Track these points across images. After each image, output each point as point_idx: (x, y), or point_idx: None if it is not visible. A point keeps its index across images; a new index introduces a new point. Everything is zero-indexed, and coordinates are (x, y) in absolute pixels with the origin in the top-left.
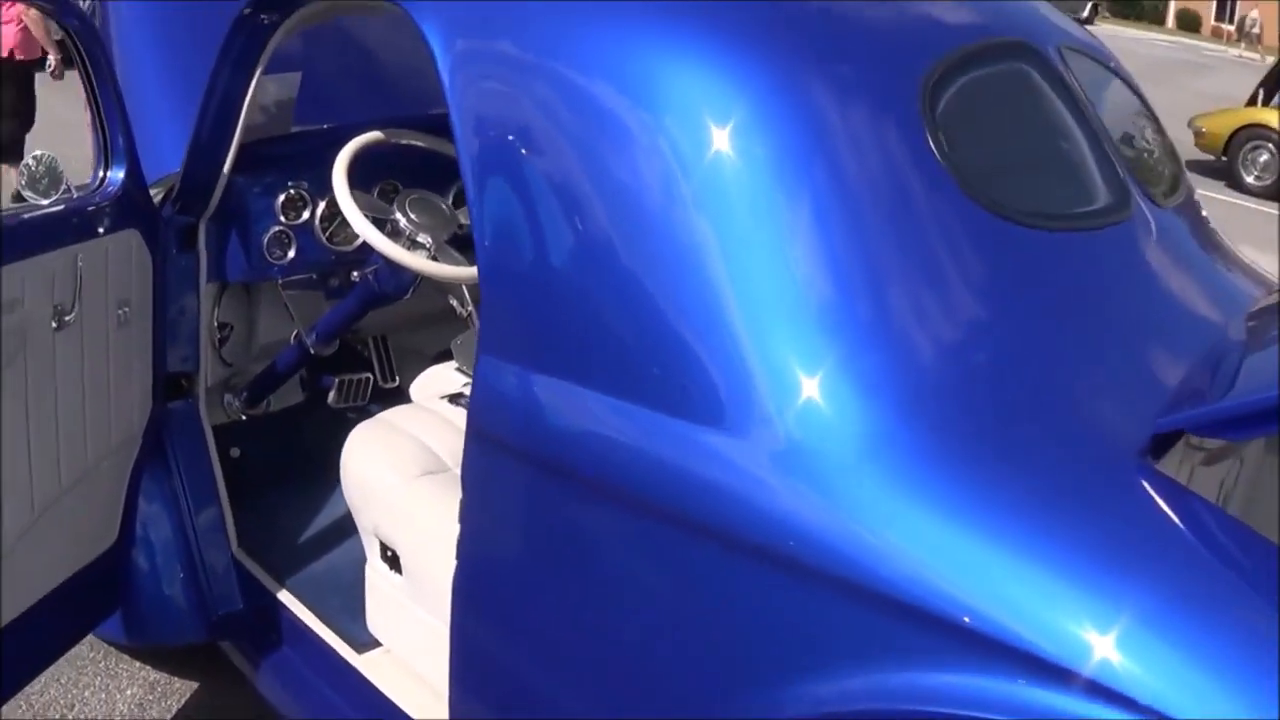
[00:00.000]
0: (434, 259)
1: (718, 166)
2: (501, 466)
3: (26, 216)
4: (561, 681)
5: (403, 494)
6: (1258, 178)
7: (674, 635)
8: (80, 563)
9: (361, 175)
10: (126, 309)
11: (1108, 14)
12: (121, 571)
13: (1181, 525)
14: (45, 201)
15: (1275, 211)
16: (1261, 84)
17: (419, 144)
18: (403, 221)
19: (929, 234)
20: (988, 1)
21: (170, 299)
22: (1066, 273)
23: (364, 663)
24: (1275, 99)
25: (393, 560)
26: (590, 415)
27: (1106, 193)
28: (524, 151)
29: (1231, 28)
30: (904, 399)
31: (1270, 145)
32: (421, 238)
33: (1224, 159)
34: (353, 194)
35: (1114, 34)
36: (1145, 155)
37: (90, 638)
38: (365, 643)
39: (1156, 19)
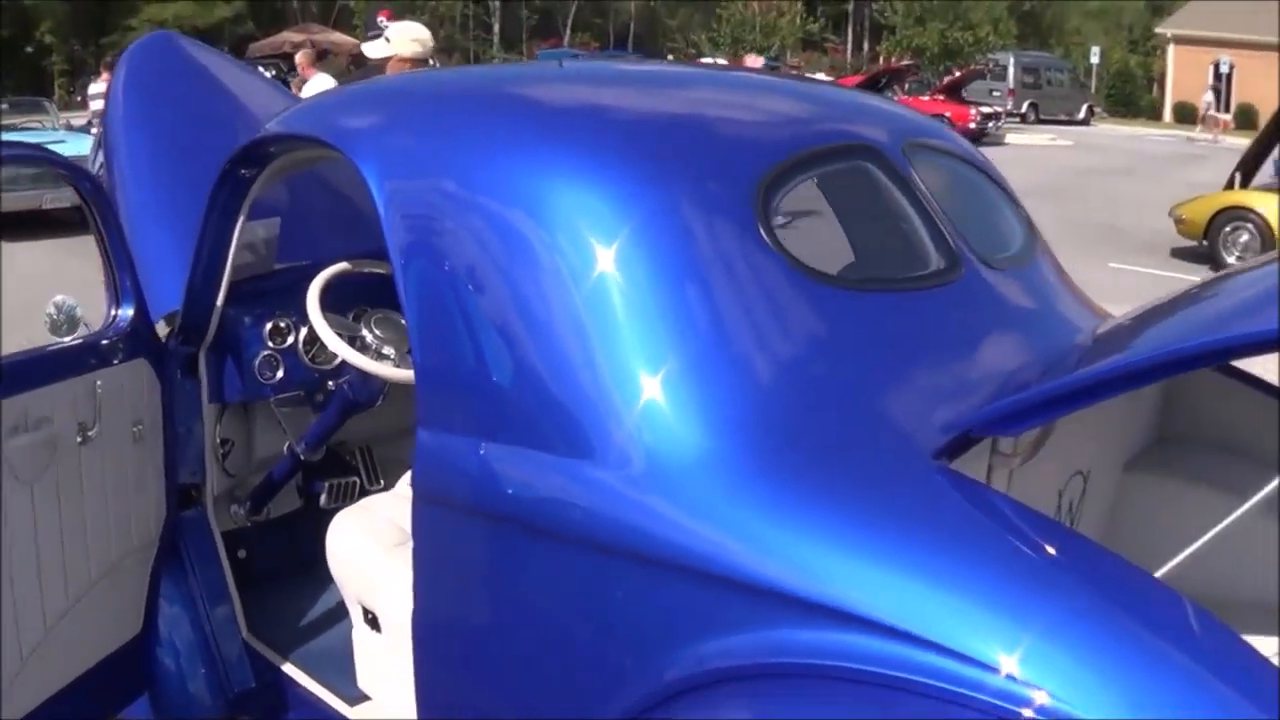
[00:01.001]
0: (397, 367)
1: (593, 266)
2: (440, 519)
3: (52, 349)
4: (501, 698)
5: (378, 562)
6: (1239, 258)
7: (576, 634)
8: (110, 648)
9: (336, 301)
10: (140, 426)
11: (1105, 114)
12: (146, 658)
13: (963, 505)
14: (67, 340)
15: None
16: (1238, 168)
17: (380, 271)
18: (369, 337)
19: (756, 301)
20: (833, 108)
21: (178, 419)
22: (889, 324)
23: (354, 713)
24: (1253, 181)
25: (373, 621)
26: (504, 464)
27: (937, 260)
28: (444, 266)
29: (1228, 117)
30: (736, 430)
31: (1249, 225)
32: (386, 350)
33: (1205, 243)
34: (324, 316)
35: (1111, 132)
36: (989, 228)
37: None
38: (355, 697)
39: (1154, 115)
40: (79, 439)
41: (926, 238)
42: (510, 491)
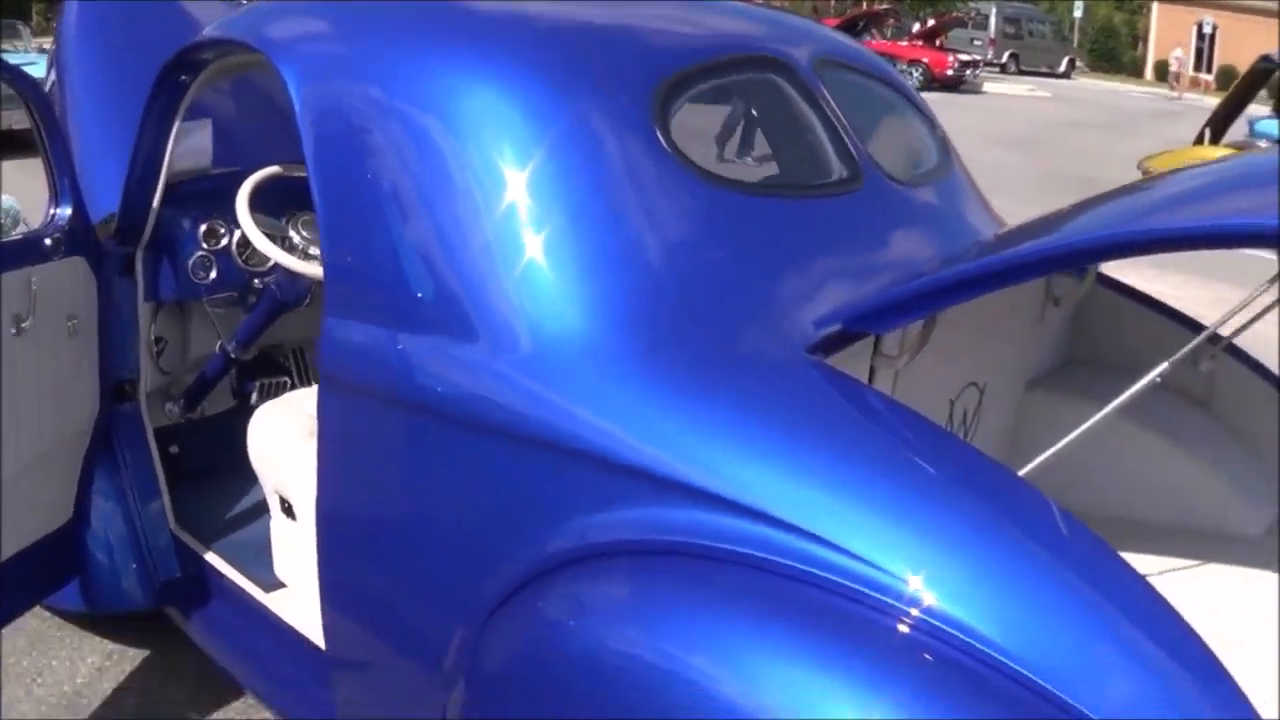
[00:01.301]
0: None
1: (492, 164)
2: (342, 401)
3: None
4: (394, 576)
5: (295, 453)
6: None
7: (466, 512)
8: (40, 533)
9: (268, 204)
10: (75, 321)
11: (1085, 68)
12: (76, 546)
13: (832, 397)
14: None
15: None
16: (1207, 124)
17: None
18: (296, 238)
19: (646, 199)
20: (748, 22)
21: (113, 317)
22: (781, 228)
23: (271, 600)
24: (1223, 138)
25: (289, 510)
26: (402, 349)
27: (840, 170)
28: (350, 163)
29: (1210, 77)
30: (619, 319)
31: None
32: (313, 250)
33: None
34: (254, 217)
35: (1091, 86)
36: (900, 145)
37: (57, 619)
38: (272, 584)
39: (1135, 71)
40: (13, 330)
41: (830, 149)
42: (407, 375)
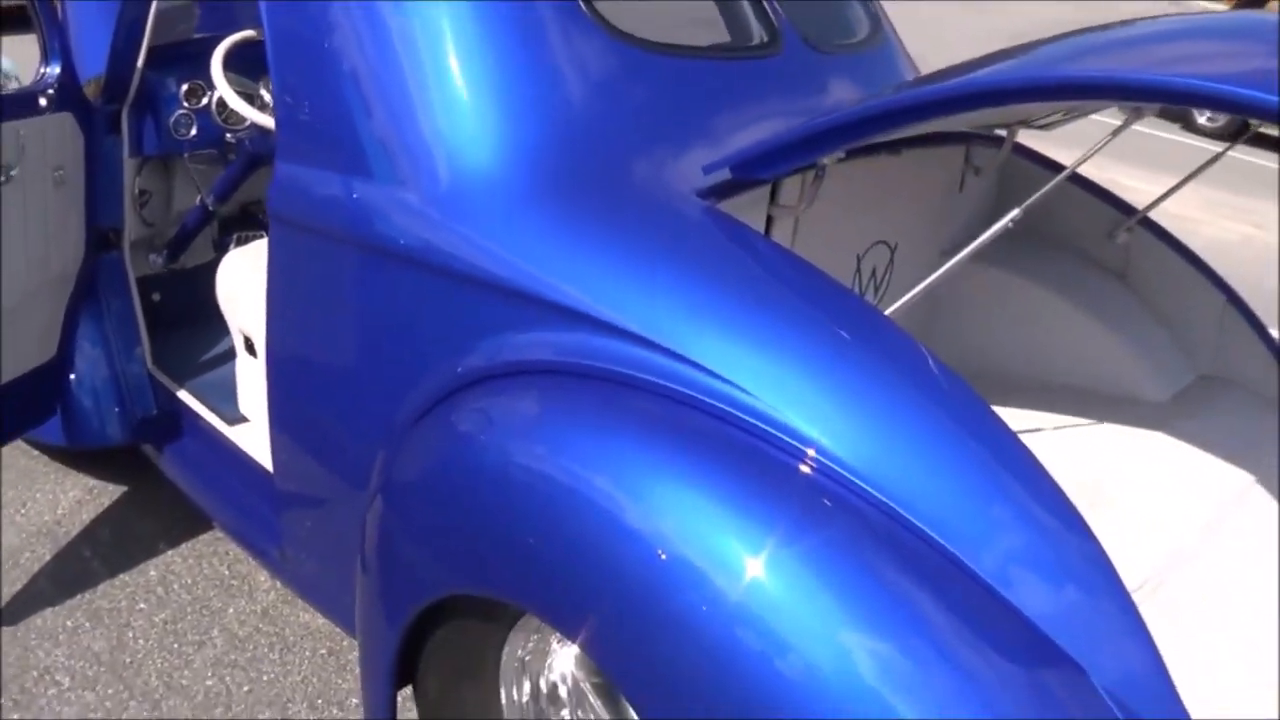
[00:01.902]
0: None
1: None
2: (288, 236)
3: None
4: (328, 401)
5: (257, 293)
6: (1210, 119)
7: (391, 337)
8: (26, 367)
9: (245, 67)
10: (61, 172)
11: None
12: (59, 383)
13: (717, 238)
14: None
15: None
16: None
17: None
18: (267, 96)
19: (564, 53)
20: None
21: (100, 170)
22: (692, 87)
23: (233, 433)
24: None
25: (250, 348)
26: (341, 190)
27: (759, 36)
28: (299, 20)
29: None
30: (524, 162)
31: None
32: None
33: None
34: (228, 77)
35: None
36: (829, 18)
37: (42, 457)
38: (236, 419)
39: None
40: (2, 178)
41: (750, 14)
42: (343, 213)
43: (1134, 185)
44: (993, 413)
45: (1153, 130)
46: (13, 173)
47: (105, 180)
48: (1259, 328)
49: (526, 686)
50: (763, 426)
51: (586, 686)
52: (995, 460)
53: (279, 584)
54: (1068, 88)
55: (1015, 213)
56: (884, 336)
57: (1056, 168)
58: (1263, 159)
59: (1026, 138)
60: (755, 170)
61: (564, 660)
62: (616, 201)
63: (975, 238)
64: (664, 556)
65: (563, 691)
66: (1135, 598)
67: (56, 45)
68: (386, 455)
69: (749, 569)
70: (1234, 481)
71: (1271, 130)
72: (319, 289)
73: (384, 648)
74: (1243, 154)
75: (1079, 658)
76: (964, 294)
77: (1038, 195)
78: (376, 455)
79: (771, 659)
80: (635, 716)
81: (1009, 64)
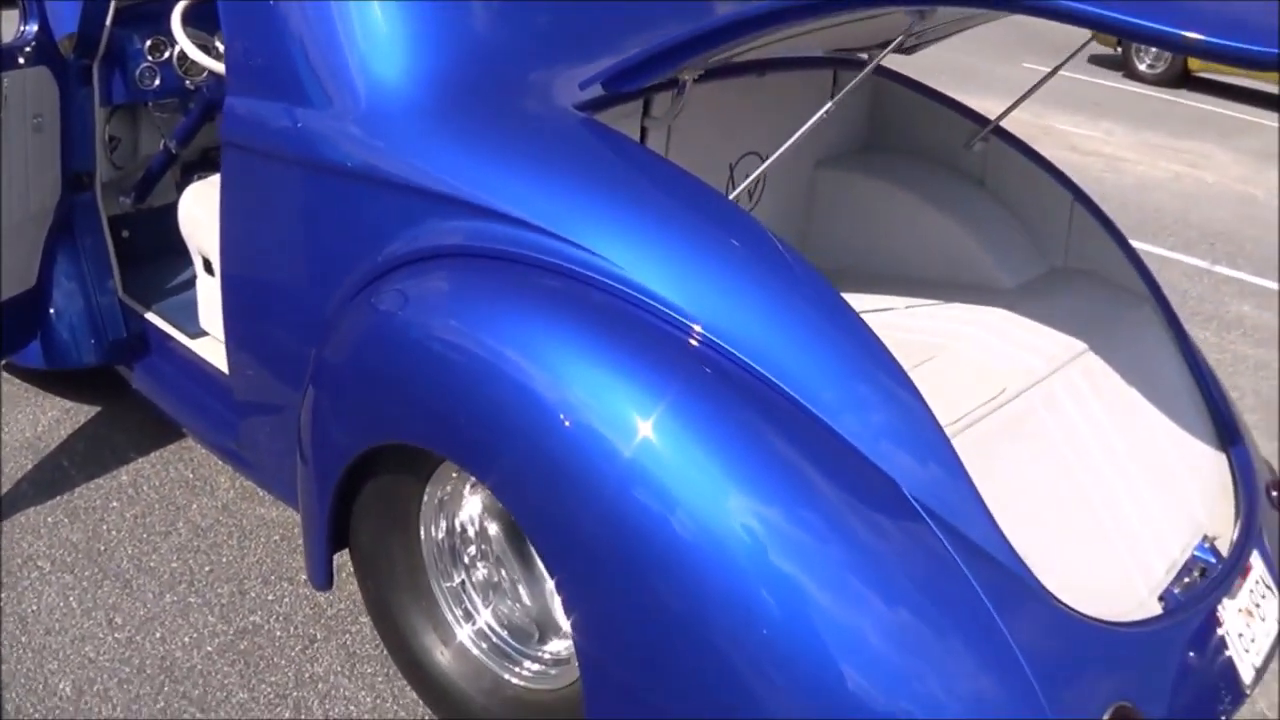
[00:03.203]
0: None
1: None
2: (236, 160)
3: None
4: (270, 303)
5: (213, 218)
6: (1150, 66)
7: (323, 239)
8: (10, 293)
9: (201, 22)
10: (40, 119)
11: None
12: (39, 310)
13: (591, 143)
14: None
15: (1165, 96)
16: None
17: None
18: (221, 47)
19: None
20: None
21: (73, 117)
22: (579, 10)
23: (195, 345)
24: None
25: (209, 268)
26: (278, 116)
27: None
28: None
29: None
30: (431, 85)
31: None
32: None
33: (1119, 50)
34: (185, 30)
35: None
36: None
37: (22, 383)
38: (196, 333)
39: None
40: None
41: None
42: (283, 135)
43: (1073, 130)
44: (836, 292)
45: (1093, 79)
46: None
47: (78, 127)
48: (1107, 224)
49: (443, 525)
50: (654, 304)
51: (490, 527)
52: (836, 329)
53: (238, 484)
54: None
55: (840, 96)
56: (746, 228)
57: (920, 88)
58: (1206, 104)
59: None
60: (621, 85)
61: (472, 505)
62: (508, 115)
63: (848, 151)
64: (568, 424)
65: (471, 532)
66: (950, 430)
67: (34, 6)
68: (318, 344)
69: (640, 430)
70: (1067, 347)
71: (1210, 76)
72: (264, 205)
73: (320, 510)
74: (1186, 99)
75: (891, 473)
76: (836, 201)
77: (859, 77)
78: (315, 349)
79: (665, 516)
80: (535, 551)
81: None
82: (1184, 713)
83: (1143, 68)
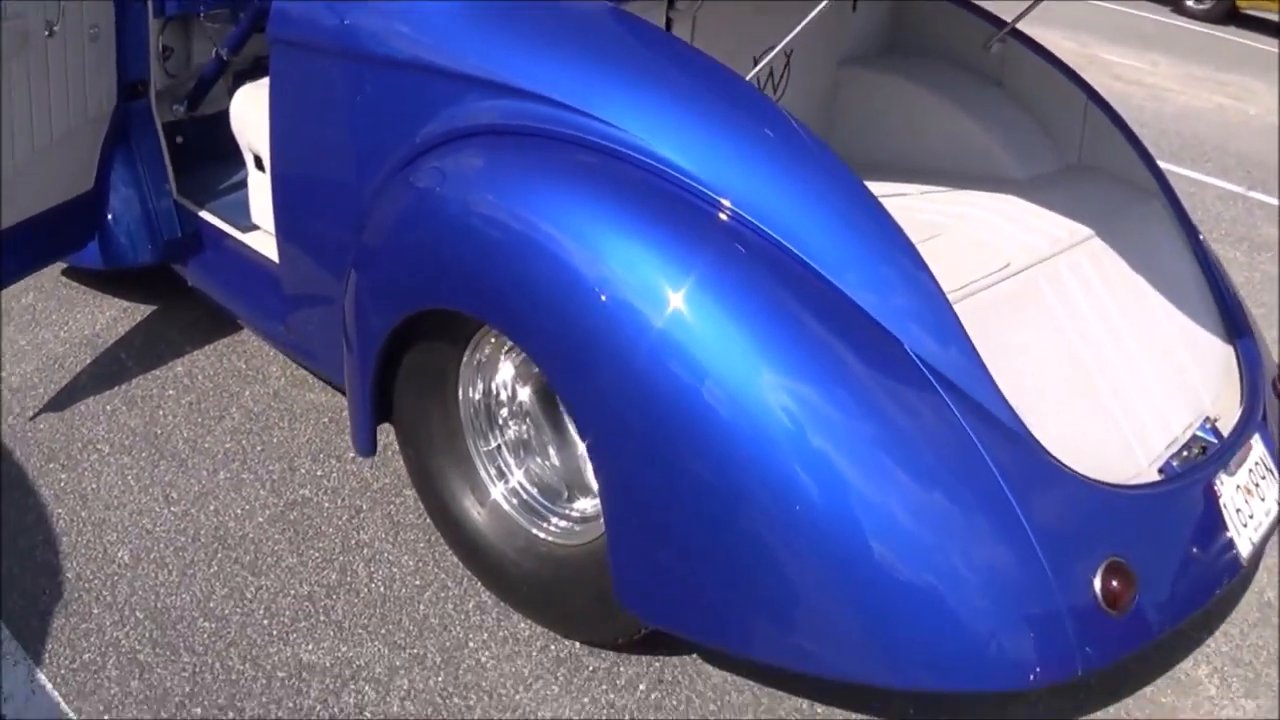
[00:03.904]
0: None
1: None
2: (283, 56)
3: None
4: (318, 192)
5: (263, 116)
6: (1198, 2)
7: (373, 119)
8: (68, 195)
9: None
10: (96, 29)
11: None
12: (96, 212)
13: (620, 31)
14: None
15: (1212, 32)
16: None
17: None
18: None
19: None
20: None
21: (127, 28)
22: None
23: (246, 238)
24: None
25: (259, 164)
26: (319, 11)
27: None
28: None
29: None
30: None
31: None
32: None
33: None
34: None
35: None
36: None
37: (81, 285)
38: (248, 227)
39: None
40: (46, 33)
41: None
42: (327, 29)
43: (1117, 60)
44: (856, 176)
45: (1141, 11)
46: (55, 28)
47: (133, 38)
48: (1121, 124)
49: (480, 387)
50: (683, 179)
51: (522, 391)
52: (857, 210)
53: (289, 371)
54: None
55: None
56: (770, 112)
57: None
58: (1253, 40)
59: None
60: None
61: (505, 370)
62: (538, 6)
63: (871, 52)
64: (603, 297)
65: (503, 395)
66: (953, 296)
67: None
68: (361, 225)
69: (671, 302)
70: (1073, 232)
71: (1258, 13)
72: (310, 99)
73: (363, 379)
74: (1233, 35)
75: (913, 350)
76: (857, 98)
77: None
78: (357, 232)
79: (695, 387)
80: (566, 415)
81: None
82: (1177, 575)
83: (1191, 3)
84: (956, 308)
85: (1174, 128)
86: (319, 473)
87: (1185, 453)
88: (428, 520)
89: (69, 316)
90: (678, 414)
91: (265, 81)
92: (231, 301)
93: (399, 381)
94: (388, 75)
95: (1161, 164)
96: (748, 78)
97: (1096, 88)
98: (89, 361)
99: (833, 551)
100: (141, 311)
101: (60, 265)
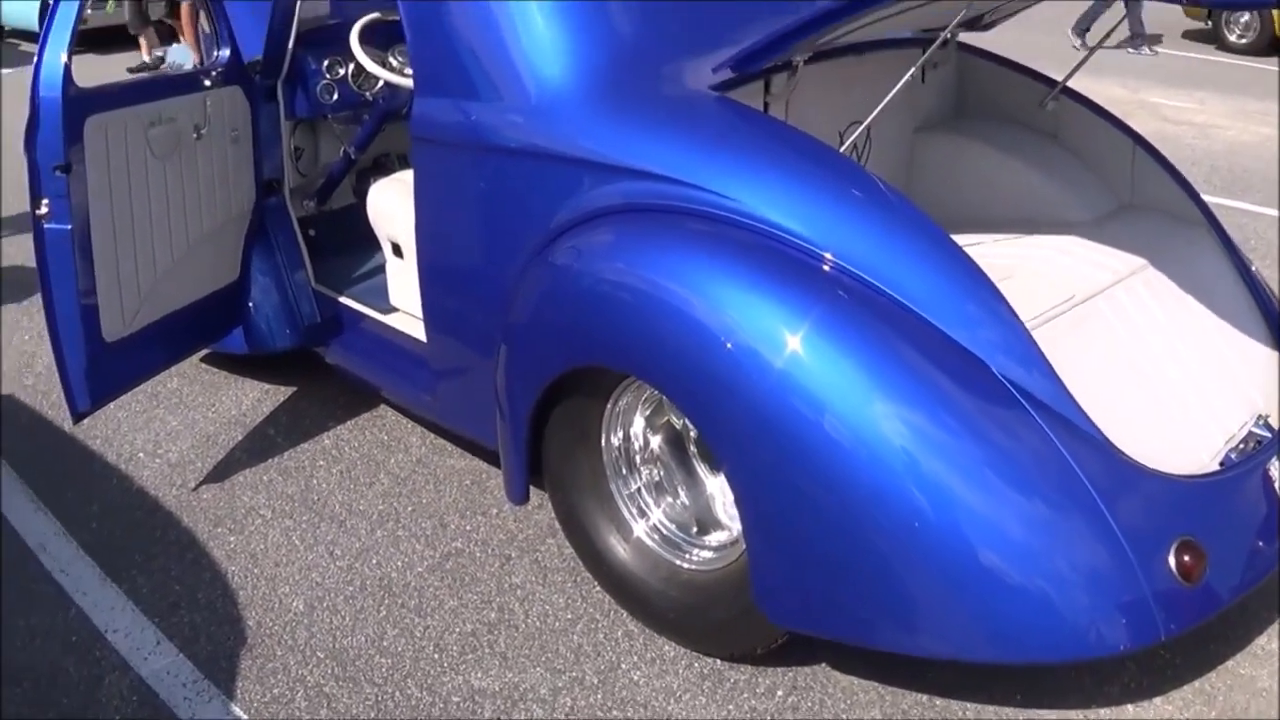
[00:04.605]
0: None
1: None
2: (427, 152)
3: (177, 75)
4: (464, 275)
5: (401, 205)
6: (1239, 36)
7: (511, 209)
8: (216, 285)
9: (377, 42)
10: (236, 132)
11: None
12: (240, 301)
13: (729, 116)
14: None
15: (1256, 65)
16: None
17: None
18: (394, 61)
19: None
20: None
21: (263, 132)
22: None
23: (387, 319)
24: None
25: (398, 251)
26: (463, 111)
27: None
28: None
29: None
30: (590, 77)
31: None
32: (407, 70)
33: (1209, 23)
34: (363, 48)
35: None
36: None
37: (224, 372)
38: (387, 309)
39: None
40: (195, 135)
41: None
42: (466, 127)
43: (1165, 102)
44: (938, 225)
45: (1186, 53)
46: (203, 131)
47: (267, 139)
48: (1166, 165)
49: (620, 433)
50: (789, 238)
51: (653, 440)
52: (942, 256)
53: (429, 440)
54: None
55: (921, 62)
56: (859, 176)
57: (999, 60)
58: None
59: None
60: (744, 67)
61: (639, 422)
62: (652, 97)
63: (942, 118)
64: (730, 346)
65: (637, 444)
66: (1029, 326)
67: (225, 35)
68: (508, 304)
69: (789, 345)
70: (1130, 263)
71: None
72: (451, 190)
73: (517, 436)
74: (1276, 65)
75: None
76: (932, 160)
77: (934, 46)
78: (502, 309)
79: (816, 420)
80: (695, 453)
81: None
82: (1241, 549)
83: (1233, 38)
84: (1033, 335)
85: (1224, 164)
86: (468, 527)
87: (1242, 446)
88: (573, 564)
89: (215, 399)
90: (802, 443)
91: (398, 176)
92: (376, 376)
93: (547, 435)
94: (522, 166)
95: (1213, 198)
96: (840, 149)
97: (1148, 131)
98: (241, 438)
99: (950, 559)
100: (283, 392)
101: (200, 353)
